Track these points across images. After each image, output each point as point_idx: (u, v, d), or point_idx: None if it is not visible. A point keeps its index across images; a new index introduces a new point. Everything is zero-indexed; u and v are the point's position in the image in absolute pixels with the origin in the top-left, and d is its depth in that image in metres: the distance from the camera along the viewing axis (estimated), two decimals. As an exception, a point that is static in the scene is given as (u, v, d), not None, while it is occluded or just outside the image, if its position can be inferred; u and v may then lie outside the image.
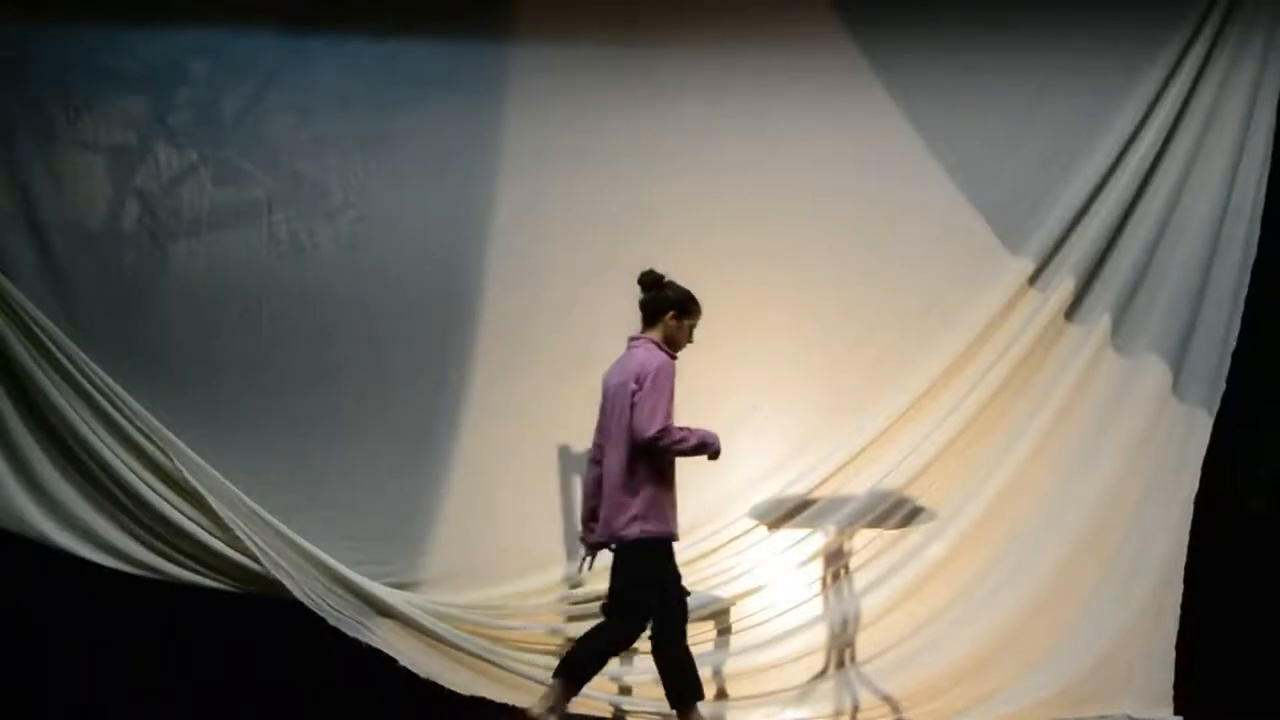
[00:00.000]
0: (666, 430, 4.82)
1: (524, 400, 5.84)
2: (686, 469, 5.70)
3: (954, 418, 5.75)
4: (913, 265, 5.90)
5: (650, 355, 4.95)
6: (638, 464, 4.88)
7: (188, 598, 5.53)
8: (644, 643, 5.64)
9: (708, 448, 4.97)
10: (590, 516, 5.12)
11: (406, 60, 5.93)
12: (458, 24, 5.94)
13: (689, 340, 5.10)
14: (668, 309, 5.04)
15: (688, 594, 5.04)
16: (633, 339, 5.09)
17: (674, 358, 5.00)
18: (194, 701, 5.43)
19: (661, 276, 5.09)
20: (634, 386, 4.88)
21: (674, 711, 4.96)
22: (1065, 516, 5.71)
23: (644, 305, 5.08)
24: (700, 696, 4.94)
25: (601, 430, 5.08)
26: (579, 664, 4.95)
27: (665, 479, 4.94)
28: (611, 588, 5.01)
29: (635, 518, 4.87)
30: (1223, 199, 5.85)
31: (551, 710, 4.87)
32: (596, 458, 5.10)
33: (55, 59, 5.83)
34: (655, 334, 5.04)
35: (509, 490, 5.80)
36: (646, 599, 4.91)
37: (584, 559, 5.22)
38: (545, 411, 5.83)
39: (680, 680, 4.92)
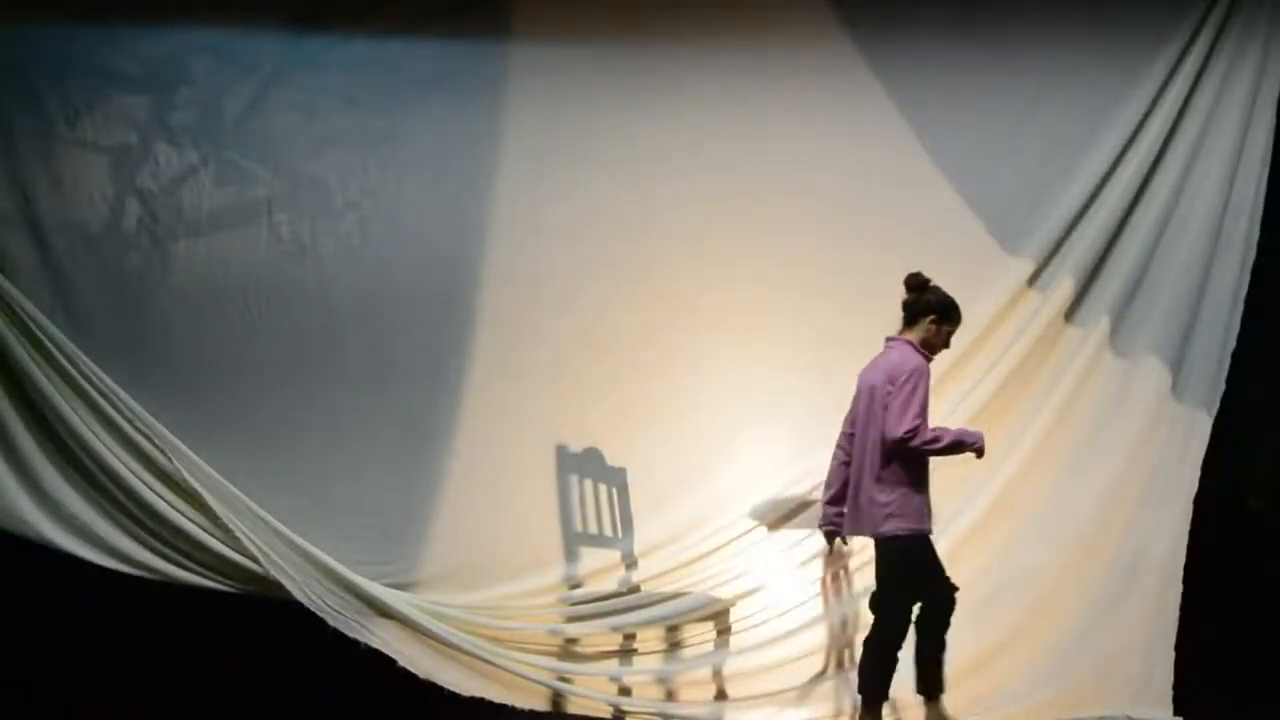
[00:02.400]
0: (917, 430, 4.90)
1: (523, 400, 5.84)
2: (687, 469, 5.77)
3: (953, 419, 5.73)
4: (912, 266, 5.83)
5: (906, 356, 5.04)
6: (891, 462, 4.97)
7: (188, 598, 5.53)
8: (644, 643, 5.71)
9: (965, 446, 5.03)
10: (830, 501, 5.23)
11: (407, 60, 5.92)
12: (458, 24, 5.94)
13: (945, 346, 5.19)
14: (930, 312, 5.13)
15: (955, 589, 5.09)
16: (890, 339, 5.18)
17: (929, 360, 5.08)
18: (193, 701, 5.42)
19: (928, 280, 5.17)
20: (888, 387, 4.97)
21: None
22: (1065, 517, 5.71)
23: (907, 306, 5.17)
24: (943, 689, 5.06)
25: (852, 423, 5.18)
26: (870, 676, 5.07)
27: (919, 477, 5.02)
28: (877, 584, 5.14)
29: (890, 515, 4.97)
30: (1222, 199, 5.85)
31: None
32: (844, 446, 5.20)
33: (55, 59, 5.82)
34: (913, 335, 5.13)
35: (508, 490, 5.80)
36: (906, 594, 5.02)
37: (830, 544, 5.33)
38: (544, 411, 5.84)
39: (928, 675, 5.05)
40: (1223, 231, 5.85)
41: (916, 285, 5.17)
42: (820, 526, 5.29)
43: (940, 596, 5.06)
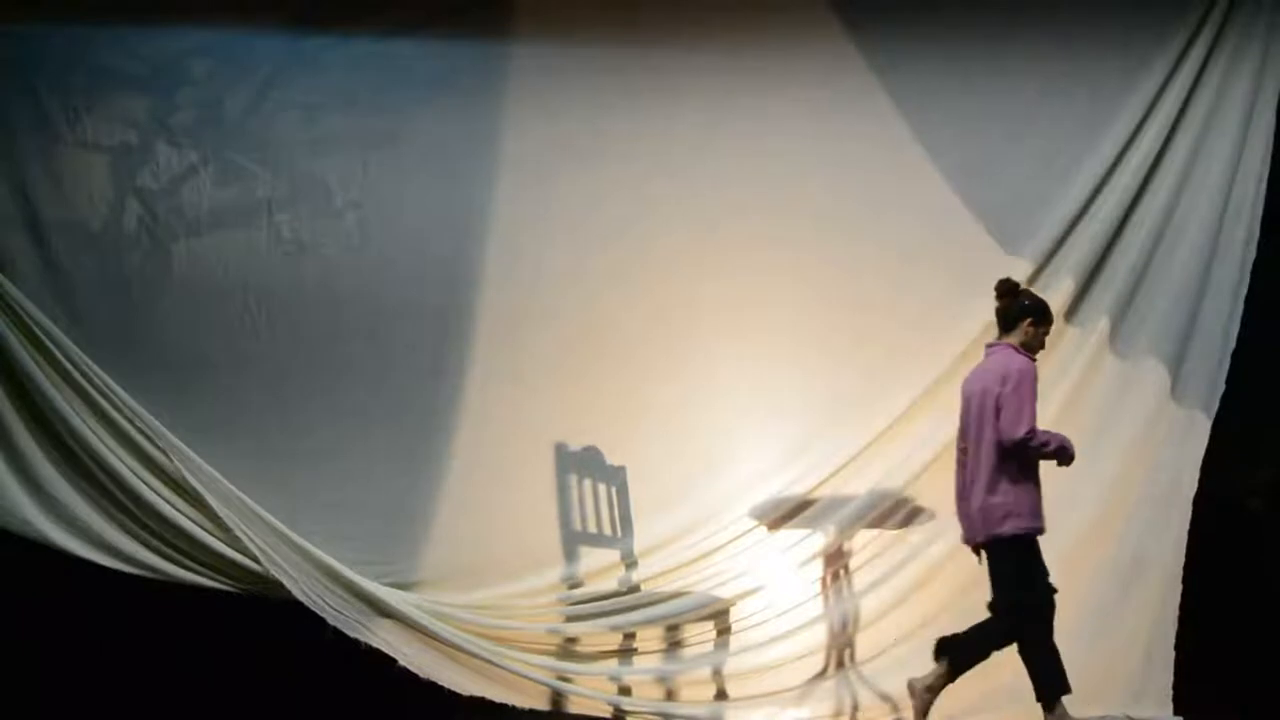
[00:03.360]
0: (1033, 432, 4.99)
1: (522, 399, 5.85)
2: (687, 468, 5.78)
3: (954, 418, 5.74)
4: (912, 267, 5.92)
5: (1011, 359, 5.12)
6: (1005, 464, 5.03)
7: (188, 598, 5.53)
8: (644, 643, 5.71)
9: (1066, 452, 5.10)
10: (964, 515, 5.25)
11: (408, 60, 5.93)
12: (458, 24, 5.95)
13: (1042, 347, 5.27)
14: (1026, 315, 5.22)
15: (1054, 590, 5.11)
16: (990, 345, 5.27)
17: (1033, 360, 5.15)
18: (194, 701, 5.42)
19: (1018, 284, 5.29)
20: (998, 390, 5.04)
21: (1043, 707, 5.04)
22: (1065, 517, 5.68)
23: (1001, 312, 5.25)
24: (1067, 690, 5.01)
25: (964, 434, 5.23)
26: (962, 652, 5.09)
27: (1032, 475, 5.08)
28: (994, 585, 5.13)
29: (1008, 515, 5.03)
30: (1222, 200, 5.87)
31: (929, 689, 5.06)
32: (962, 460, 5.24)
33: (55, 59, 5.83)
34: (1013, 339, 5.20)
35: (508, 490, 5.80)
36: (1026, 593, 5.05)
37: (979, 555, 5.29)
38: (544, 411, 5.84)
39: (1046, 676, 5.02)
40: (1222, 232, 5.86)
41: (1008, 291, 5.27)
42: (965, 541, 5.28)
43: (1041, 598, 5.09)
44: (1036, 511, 5.08)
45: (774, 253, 5.92)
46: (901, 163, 5.97)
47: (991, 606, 5.14)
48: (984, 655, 5.11)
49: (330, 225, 5.90)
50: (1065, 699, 5.03)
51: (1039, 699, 5.05)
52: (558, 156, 5.97)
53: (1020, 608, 5.05)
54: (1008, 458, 5.04)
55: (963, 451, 5.25)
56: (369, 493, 5.75)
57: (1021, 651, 5.08)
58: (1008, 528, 5.04)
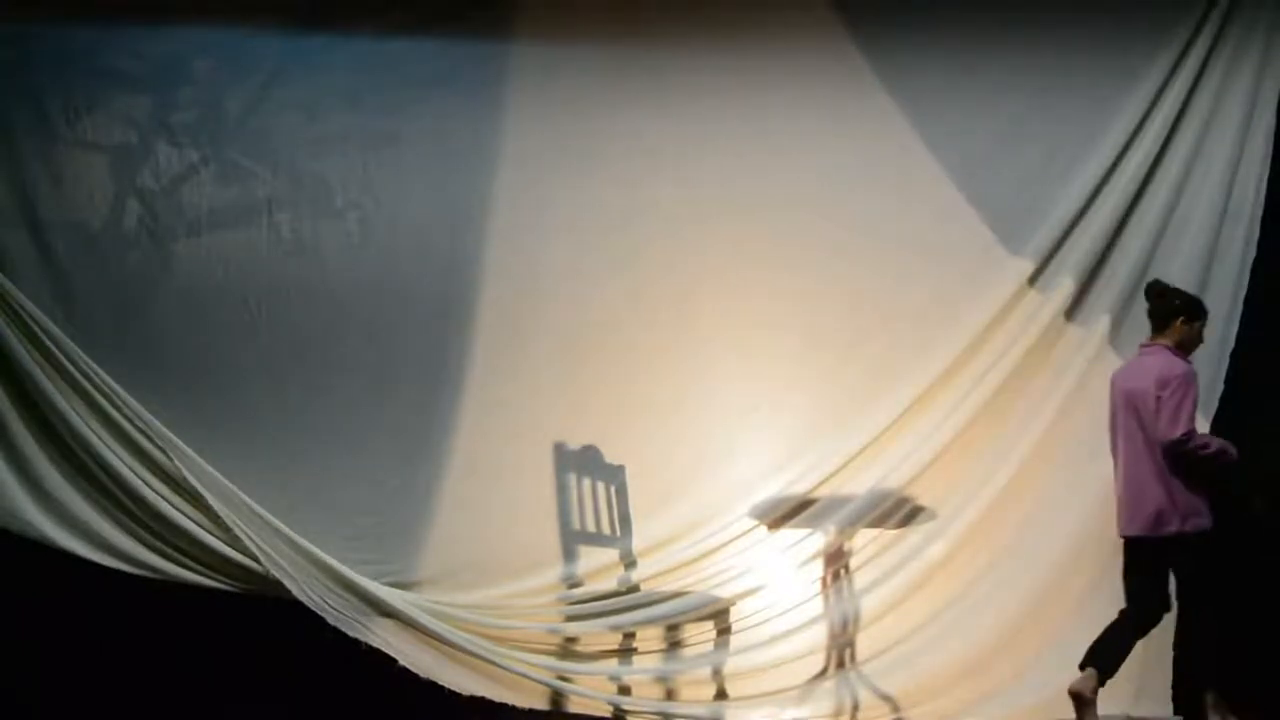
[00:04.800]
0: (1190, 435, 5.06)
1: (522, 398, 5.84)
2: (687, 467, 5.77)
3: (954, 418, 5.76)
4: (912, 265, 5.91)
5: (1171, 361, 5.18)
6: (1176, 464, 5.11)
7: (188, 597, 5.53)
8: (644, 643, 5.71)
9: (1226, 455, 5.18)
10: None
11: (408, 60, 5.92)
12: (458, 24, 5.95)
13: (1200, 341, 5.33)
14: (1178, 314, 5.28)
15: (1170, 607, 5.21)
16: (1145, 345, 5.32)
17: (1189, 362, 5.21)
18: (194, 701, 5.42)
19: (1167, 285, 5.34)
20: (1156, 393, 5.10)
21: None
22: (1065, 516, 5.71)
23: (1154, 314, 5.31)
24: (1099, 684, 5.10)
25: (1111, 427, 5.31)
26: (1200, 668, 5.20)
27: (1196, 474, 5.14)
28: (1150, 581, 5.21)
29: (1190, 514, 5.12)
30: (1222, 200, 5.86)
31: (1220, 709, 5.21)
32: (1113, 452, 5.33)
33: (55, 59, 5.81)
34: (1168, 339, 5.25)
35: (507, 489, 5.80)
36: (1211, 582, 5.16)
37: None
38: (543, 410, 5.83)
39: (1108, 653, 5.12)
40: (1222, 232, 5.86)
41: (1159, 292, 5.33)
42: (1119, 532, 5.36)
43: (1163, 601, 5.20)
44: (1207, 509, 5.16)
45: (774, 251, 5.91)
46: (902, 161, 5.97)
47: (1181, 599, 5.21)
48: (1212, 649, 5.18)
49: (330, 225, 5.90)
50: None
51: (1082, 663, 5.12)
52: (558, 156, 5.96)
53: (1209, 595, 5.15)
54: (1172, 459, 5.10)
55: (1113, 444, 5.33)
56: (368, 492, 5.74)
57: (1115, 622, 5.16)
58: (1192, 525, 5.11)
